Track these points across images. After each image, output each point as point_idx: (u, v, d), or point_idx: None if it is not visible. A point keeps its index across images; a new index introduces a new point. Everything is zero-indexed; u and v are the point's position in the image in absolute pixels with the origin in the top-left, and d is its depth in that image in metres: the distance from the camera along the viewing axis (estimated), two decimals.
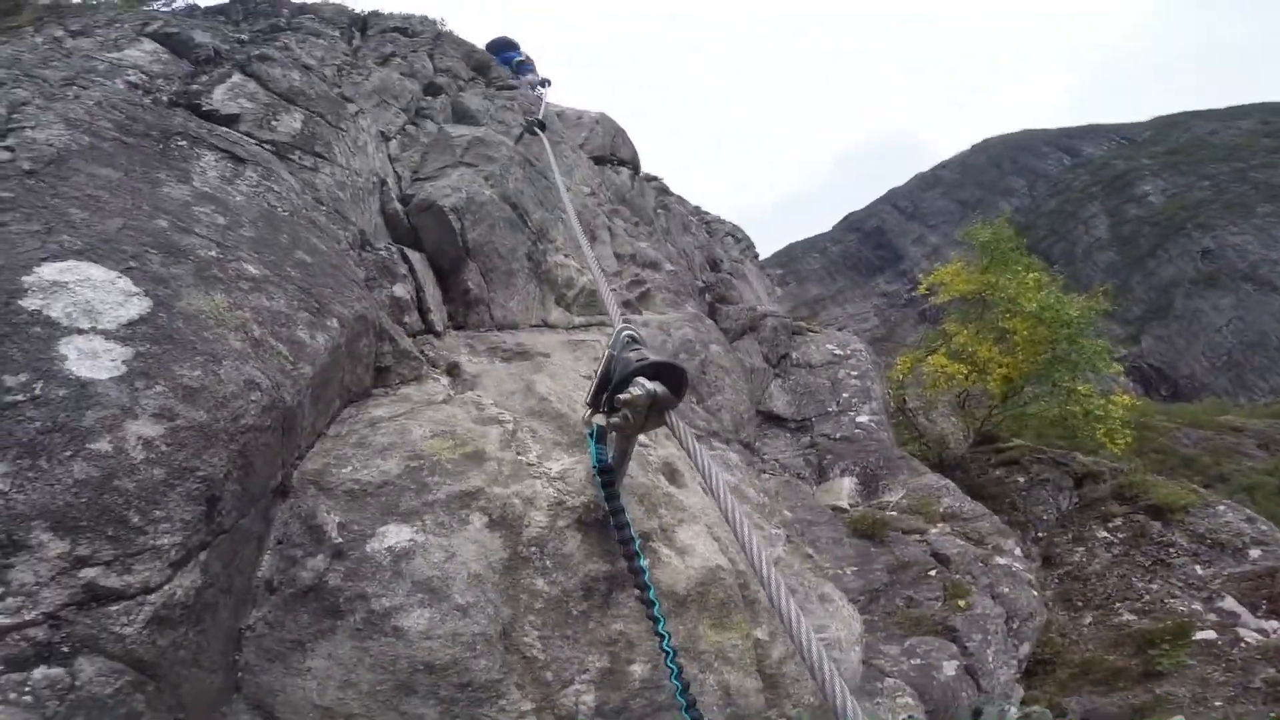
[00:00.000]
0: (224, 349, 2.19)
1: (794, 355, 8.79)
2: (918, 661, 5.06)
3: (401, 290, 4.00)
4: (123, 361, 1.94)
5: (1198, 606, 7.28)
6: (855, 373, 8.50)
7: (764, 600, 2.43)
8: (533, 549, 2.05)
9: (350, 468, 2.41)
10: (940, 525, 6.76)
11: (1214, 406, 32.40)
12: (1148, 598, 7.56)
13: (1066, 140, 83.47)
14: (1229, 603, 7.26)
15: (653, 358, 1.78)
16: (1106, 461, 9.95)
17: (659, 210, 12.67)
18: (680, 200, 15.19)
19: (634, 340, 1.96)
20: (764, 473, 5.96)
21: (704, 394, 5.28)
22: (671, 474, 2.70)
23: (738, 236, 17.40)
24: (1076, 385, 9.66)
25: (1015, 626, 6.24)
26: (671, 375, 1.73)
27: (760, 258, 19.82)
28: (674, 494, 2.44)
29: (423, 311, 4.19)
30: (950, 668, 5.10)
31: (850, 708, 1.03)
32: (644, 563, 1.74)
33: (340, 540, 2.14)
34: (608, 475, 1.94)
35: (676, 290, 7.77)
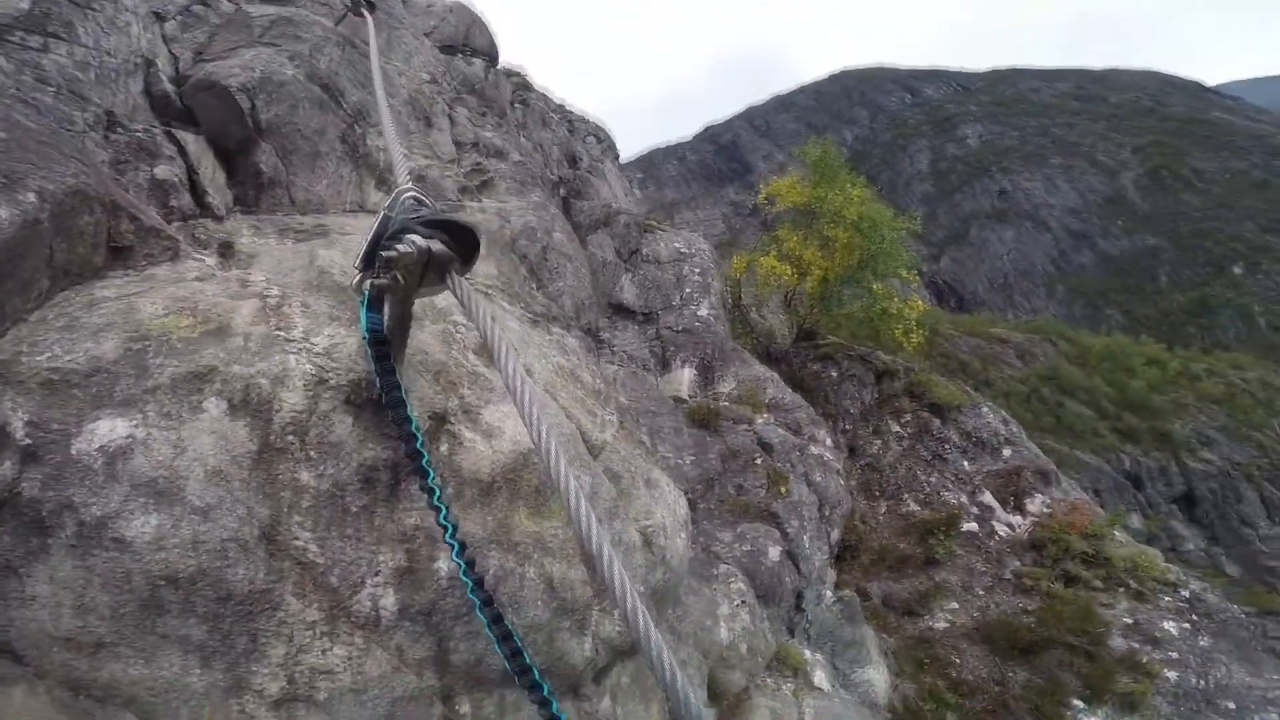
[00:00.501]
0: None
1: (644, 251, 8.88)
2: (747, 547, 5.50)
3: (167, 171, 3.83)
4: None
5: (964, 499, 8.71)
6: (698, 269, 8.78)
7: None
8: (289, 437, 1.69)
9: (49, 354, 1.84)
10: (765, 415, 7.30)
11: (987, 319, 38.63)
12: (928, 489, 8.91)
13: (911, 80, 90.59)
14: (987, 497, 8.77)
15: (436, 215, 1.48)
16: (902, 361, 11.39)
17: (516, 104, 11.92)
18: (542, 96, 14.27)
19: (419, 203, 1.62)
20: (612, 363, 5.97)
21: (544, 279, 5.04)
22: (489, 354, 2.39)
23: (600, 136, 16.69)
24: (876, 285, 10.78)
25: (827, 514, 7.03)
26: (459, 235, 1.45)
27: (622, 160, 19.31)
28: (483, 373, 2.15)
29: (197, 194, 4.02)
30: (774, 553, 5.61)
31: (643, 621, 0.87)
32: (422, 445, 1.47)
33: (29, 441, 1.63)
34: (381, 347, 1.59)
35: (523, 180, 7.28)
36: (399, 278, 1.43)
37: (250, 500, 1.62)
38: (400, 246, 1.38)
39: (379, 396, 1.58)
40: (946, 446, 9.55)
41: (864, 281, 10.77)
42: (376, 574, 1.73)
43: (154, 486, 1.58)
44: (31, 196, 2.23)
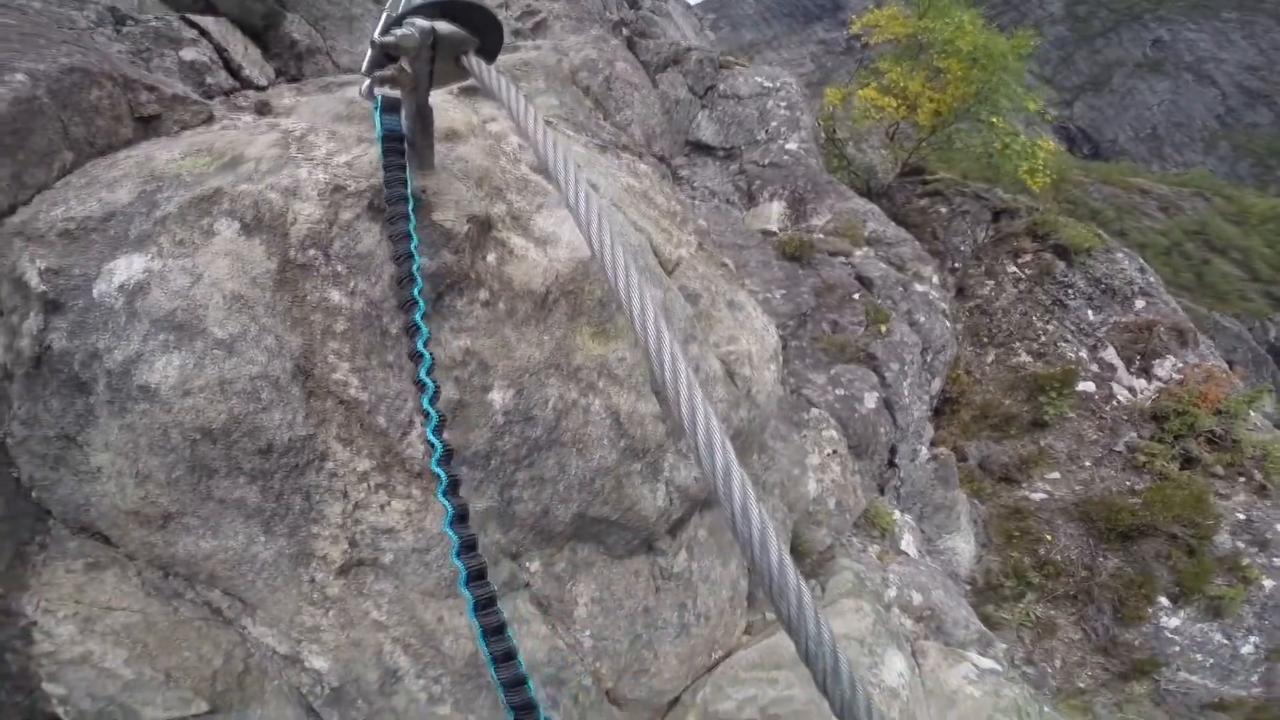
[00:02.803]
0: None
1: (721, 87, 8.06)
2: (841, 391, 5.13)
3: (194, 54, 3.93)
4: None
5: (1084, 354, 7.71)
6: (784, 104, 7.90)
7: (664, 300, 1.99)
8: (311, 251, 1.44)
9: (65, 207, 1.71)
10: (865, 249, 6.65)
11: (1128, 168, 33.52)
12: (1043, 339, 7.95)
13: None
14: (1110, 353, 7.69)
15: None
16: (1024, 200, 10.01)
17: None
18: None
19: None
20: (693, 198, 5.56)
21: (610, 110, 4.66)
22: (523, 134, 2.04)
23: None
24: (995, 119, 9.53)
25: (929, 359, 6.44)
26: (477, 21, 1.24)
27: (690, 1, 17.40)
28: (533, 180, 1.80)
29: (233, 70, 4.13)
30: (871, 400, 5.22)
31: (722, 459, 0.65)
32: (416, 262, 1.18)
33: (47, 289, 1.50)
34: (395, 143, 1.33)
35: (580, 18, 6.60)
36: (404, 67, 1.25)
37: (277, 327, 1.42)
38: (398, 30, 1.19)
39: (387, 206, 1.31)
40: (1070, 292, 8.43)
41: (982, 116, 9.53)
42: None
43: (172, 320, 1.41)
44: (20, 77, 2.12)
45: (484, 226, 1.57)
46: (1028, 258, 8.93)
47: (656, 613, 2.16)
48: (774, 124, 7.62)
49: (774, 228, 6.35)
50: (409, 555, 1.61)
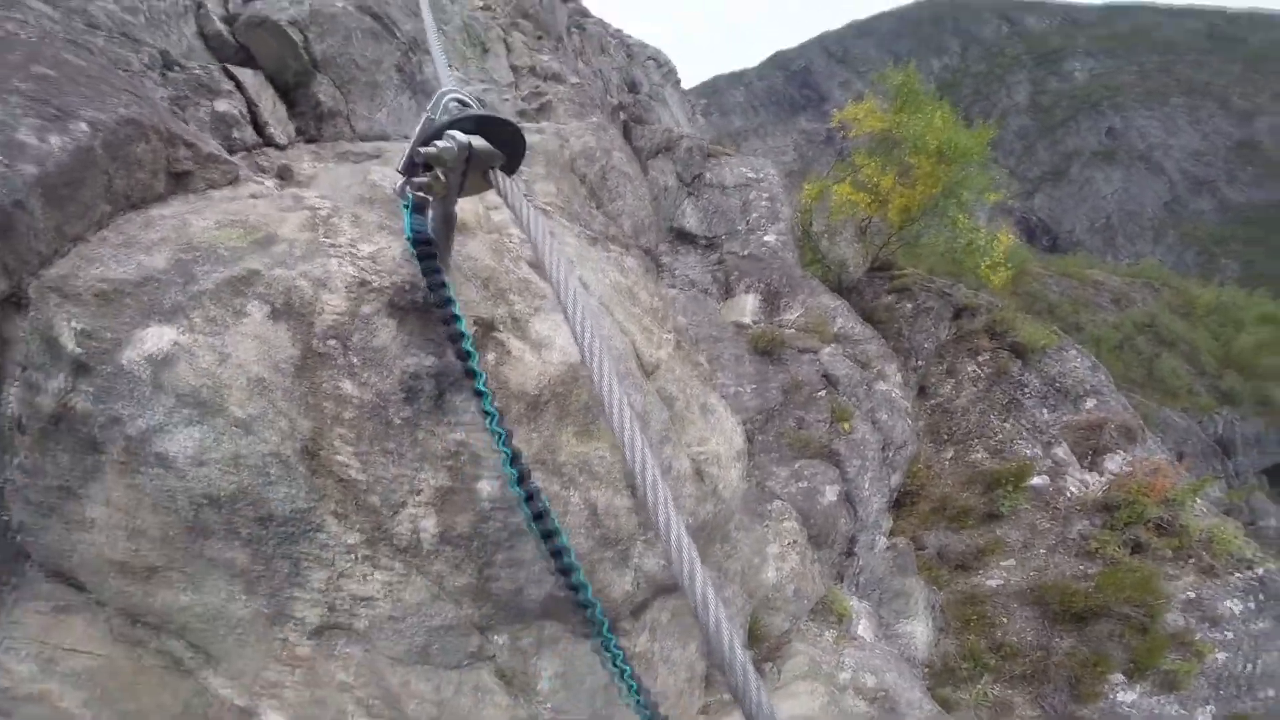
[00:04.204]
0: None
1: (707, 176, 8.57)
2: (804, 485, 5.33)
3: (226, 106, 3.99)
4: None
5: (1038, 451, 8.12)
6: (766, 195, 8.40)
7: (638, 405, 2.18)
8: (331, 342, 1.61)
9: (103, 267, 1.84)
10: (832, 346, 6.98)
11: (1083, 260, 35.51)
12: (1000, 437, 8.36)
13: (1011, 9, 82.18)
14: (1062, 450, 8.13)
15: (475, 111, 1.41)
16: (985, 296, 10.62)
17: (572, 30, 11.63)
18: (600, 22, 13.87)
19: (462, 105, 1.52)
20: (672, 288, 5.83)
21: (604, 199, 4.95)
22: (541, 265, 2.26)
23: (659, 61, 15.94)
24: (960, 216, 10.12)
25: (890, 455, 6.71)
26: (503, 134, 1.40)
27: (684, 87, 18.51)
28: (533, 281, 2.01)
29: (258, 126, 4.18)
30: (832, 493, 5.42)
31: (686, 552, 0.79)
32: (471, 346, 1.37)
33: (80, 351, 1.63)
34: (425, 246, 1.51)
35: (581, 103, 7.05)
36: (440, 176, 1.39)
37: (292, 412, 1.57)
38: (439, 143, 1.34)
39: (425, 301, 1.49)
40: (1025, 392, 8.92)
41: (947, 211, 10.15)
42: (418, 494, 1.67)
43: (197, 397, 1.55)
44: (83, 125, 2.26)
45: (487, 328, 1.76)
46: (986, 356, 9.44)
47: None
48: (754, 215, 8.06)
49: (748, 320, 6.68)
50: (384, 623, 1.71)
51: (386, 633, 1.72)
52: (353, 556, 1.67)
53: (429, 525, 1.71)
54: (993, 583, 6.66)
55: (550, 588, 1.91)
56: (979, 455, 8.20)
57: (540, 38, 9.16)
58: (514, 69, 7.59)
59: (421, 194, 1.47)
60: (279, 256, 1.72)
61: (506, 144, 1.40)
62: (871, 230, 11.30)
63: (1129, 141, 60.79)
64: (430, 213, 1.51)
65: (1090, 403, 8.82)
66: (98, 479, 1.62)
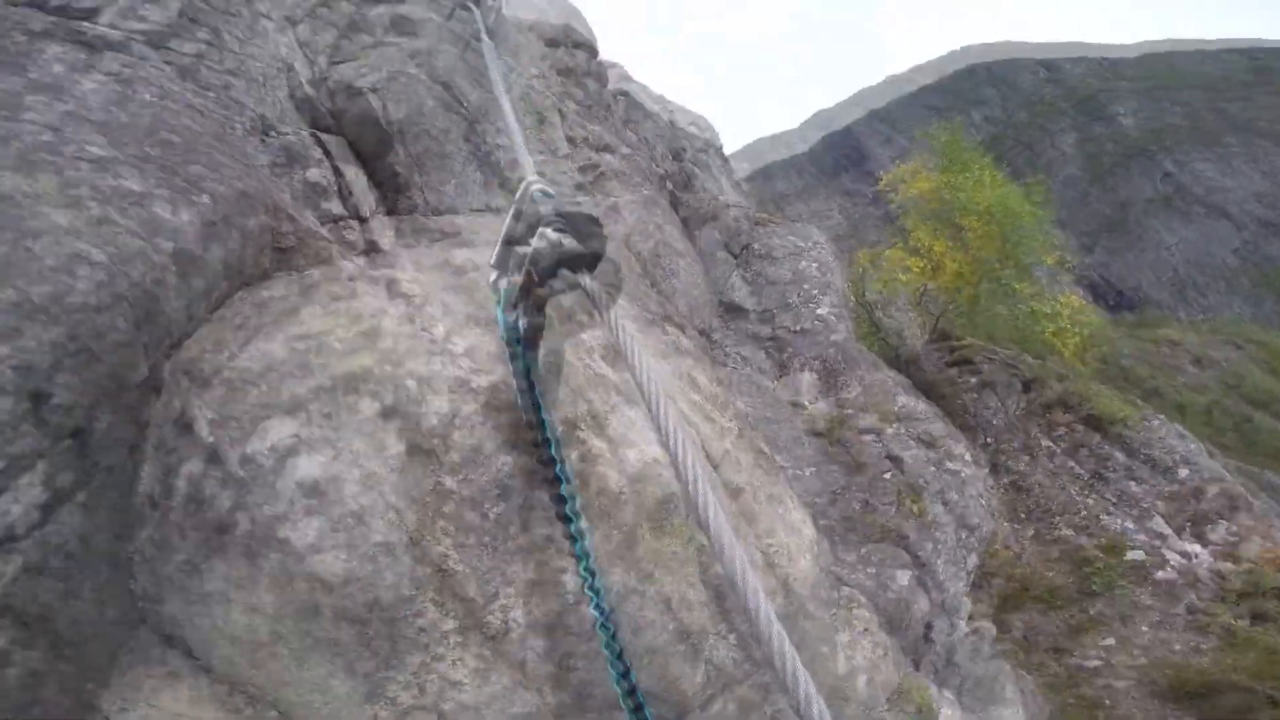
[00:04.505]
0: (44, 225, 1.81)
1: (756, 246, 8.49)
2: (873, 570, 5.13)
3: (317, 175, 3.92)
4: None
5: (1129, 524, 7.62)
6: (816, 264, 8.33)
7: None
8: (435, 440, 1.74)
9: (228, 353, 2.05)
10: (895, 425, 6.78)
11: (1155, 319, 33.70)
12: (1084, 512, 7.88)
13: (1047, 57, 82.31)
14: (1158, 522, 7.61)
15: (565, 208, 1.48)
16: (1054, 366, 10.18)
17: (618, 96, 12.01)
18: (643, 88, 14.35)
19: (545, 194, 1.63)
20: (725, 365, 5.82)
21: (658, 278, 5.00)
22: (613, 358, 2.38)
23: (701, 127, 16.44)
24: (1021, 284, 9.76)
25: (964, 537, 6.41)
26: (589, 230, 1.45)
27: (726, 151, 19.03)
28: (608, 376, 2.13)
29: (344, 196, 4.08)
30: (904, 578, 5.19)
31: (777, 640, 0.83)
32: (556, 453, 1.46)
33: (213, 440, 1.81)
34: (516, 346, 1.63)
35: (632, 175, 7.32)
36: (533, 275, 1.47)
37: (399, 504, 1.69)
38: (534, 242, 1.43)
39: (516, 400, 1.61)
40: (1109, 465, 8.42)
41: (1005, 278, 9.81)
42: (509, 585, 1.75)
43: (316, 489, 1.70)
44: (206, 199, 2.38)
45: (571, 426, 1.88)
46: (1061, 431, 9.01)
47: None
48: (806, 286, 7.97)
49: (804, 400, 6.60)
50: (468, 707, 1.76)
51: (468, 715, 1.76)
52: (447, 642, 1.74)
53: (518, 615, 1.78)
54: (1091, 664, 6.16)
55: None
56: (1064, 532, 7.72)
57: (590, 107, 9.59)
58: (569, 139, 7.91)
59: (514, 291, 1.56)
60: (386, 353, 1.90)
61: (591, 239, 1.47)
62: (927, 298, 11.02)
63: (1187, 186, 57.99)
64: (521, 308, 1.63)
65: (1183, 472, 8.26)
66: (221, 557, 1.77)
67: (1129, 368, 23.62)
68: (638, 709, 1.36)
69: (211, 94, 3.44)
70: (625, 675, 1.35)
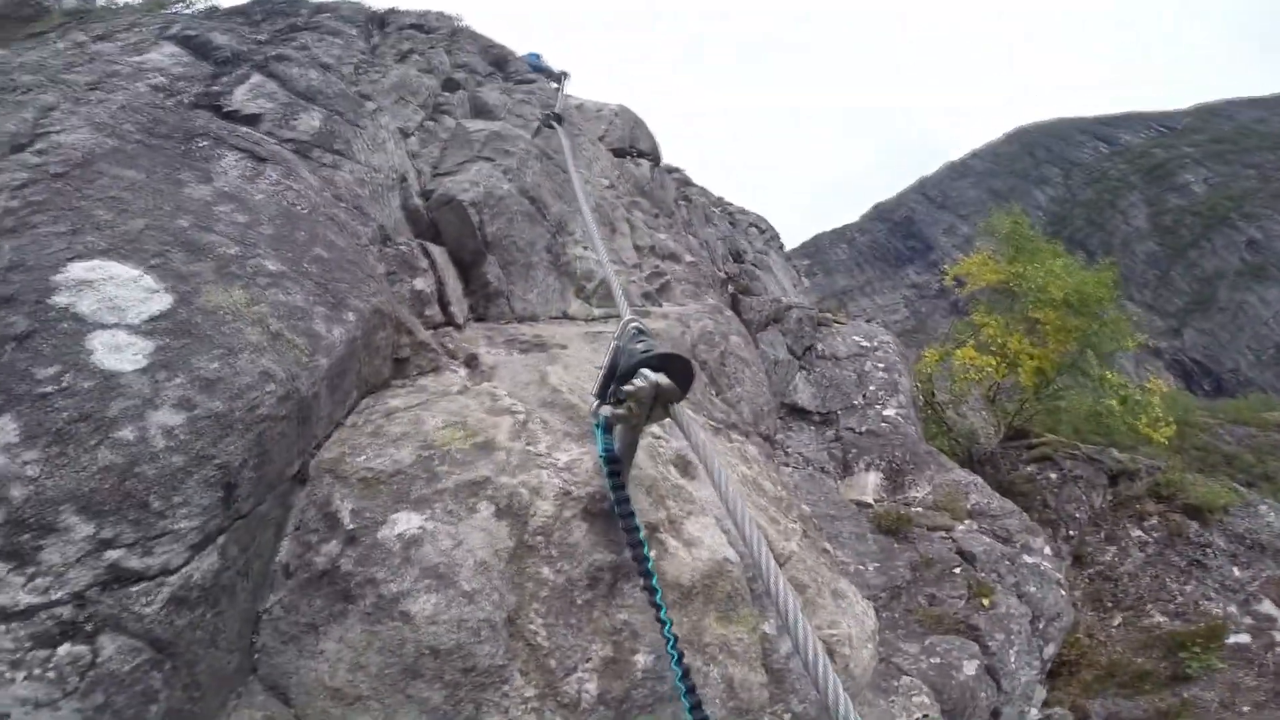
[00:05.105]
0: (241, 342, 2.27)
1: (819, 347, 8.63)
2: (937, 660, 4.96)
3: (423, 284, 4.11)
4: (145, 355, 2.05)
5: (1233, 609, 7.02)
6: (882, 365, 8.33)
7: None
8: (539, 538, 2.07)
9: (365, 456, 2.46)
10: (967, 522, 6.59)
11: (1259, 403, 30.95)
12: (1181, 599, 7.31)
13: (1103, 128, 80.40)
14: (1266, 606, 6.99)
15: (659, 349, 1.80)
16: (1143, 459, 9.63)
17: (680, 202, 12.60)
18: (702, 191, 15.10)
19: (640, 332, 1.99)
20: (786, 465, 5.89)
21: (723, 386, 5.25)
22: (684, 466, 2.69)
23: (761, 227, 17.10)
24: (1106, 373, 9.36)
25: (1041, 627, 6.07)
26: (678, 367, 1.75)
27: (786, 249, 19.49)
28: (683, 486, 2.45)
29: (444, 304, 4.30)
30: (970, 667, 4.99)
31: (844, 705, 1.04)
32: (649, 552, 1.76)
33: (353, 526, 2.20)
34: (614, 465, 1.97)
35: (696, 282, 7.74)
36: (633, 409, 1.73)
37: (503, 588, 2.00)
38: (637, 382, 1.68)
39: (610, 509, 1.92)
40: (1208, 552, 7.81)
41: (1087, 369, 9.47)
42: (588, 661, 1.99)
43: (436, 571, 2.03)
44: (350, 316, 2.76)
45: (652, 529, 2.18)
46: (1153, 521, 8.45)
47: None
48: (871, 388, 7.94)
49: (869, 499, 6.56)
50: None
51: None
52: (525, 706, 1.98)
53: (591, 687, 2.00)
54: None
55: None
56: (1156, 619, 7.13)
57: (656, 214, 10.11)
58: (636, 248, 8.36)
59: (616, 420, 1.90)
60: (500, 464, 2.27)
61: (681, 373, 1.75)
62: (1002, 395, 10.73)
63: (1275, 253, 53.55)
64: (617, 433, 1.98)
65: None
66: (341, 622, 2.08)
67: (1233, 454, 21.64)
68: None
69: (344, 204, 3.83)
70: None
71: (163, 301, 2.21)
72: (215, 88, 3.88)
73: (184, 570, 1.88)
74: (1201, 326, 52.30)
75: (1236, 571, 7.47)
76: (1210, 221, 58.46)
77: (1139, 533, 8.36)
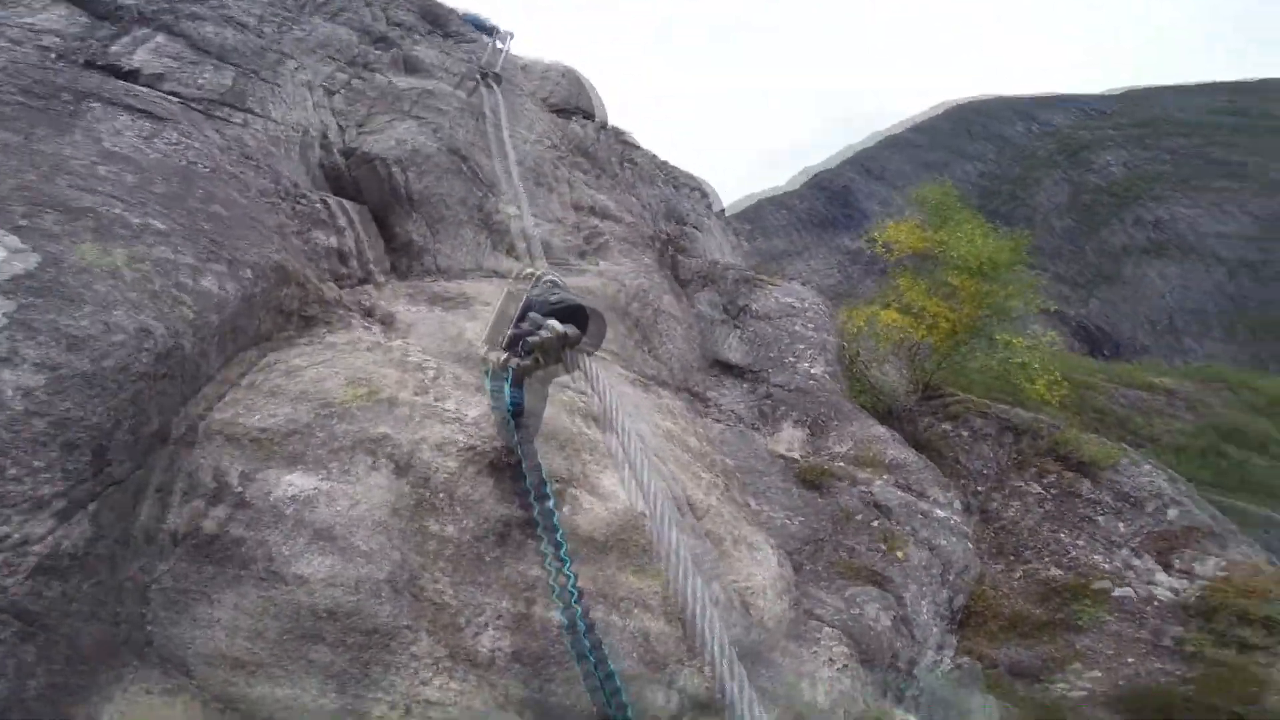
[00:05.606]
0: (117, 299, 2.13)
1: (753, 307, 8.64)
2: (855, 610, 5.23)
3: (339, 241, 4.02)
4: (3, 314, 1.90)
5: (1118, 564, 7.74)
6: (811, 325, 8.53)
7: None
8: (441, 495, 2.01)
9: (259, 416, 2.33)
10: (884, 476, 6.91)
11: (1151, 368, 33.82)
12: (1073, 553, 7.99)
13: (1034, 108, 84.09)
14: (1146, 560, 7.73)
15: (570, 300, 1.81)
16: (1045, 419, 10.34)
17: (623, 163, 12.53)
18: (647, 155, 15.02)
19: (555, 285, 1.97)
20: (718, 421, 6.02)
21: (655, 343, 5.29)
22: (602, 421, 2.66)
23: (703, 191, 17.15)
24: (1007, 337, 9.84)
25: (950, 579, 6.52)
26: (589, 319, 1.77)
27: (726, 212, 19.61)
28: (598, 440, 2.42)
29: (363, 261, 4.21)
30: (885, 618, 5.29)
31: (723, 657, 1.05)
32: (552, 503, 1.74)
33: (242, 489, 2.08)
34: (519, 418, 1.93)
35: (634, 241, 7.71)
36: (539, 360, 1.76)
37: (404, 547, 1.95)
38: (544, 333, 1.72)
39: (517, 463, 1.88)
40: (1097, 508, 8.55)
41: (994, 332, 9.96)
42: (497, 618, 1.98)
43: (330, 533, 1.95)
44: (248, 272, 2.65)
45: (564, 483, 2.16)
46: (1051, 478, 9.16)
47: None
48: (800, 346, 8.13)
49: (795, 454, 6.75)
50: None
51: None
52: (435, 667, 1.95)
53: (503, 644, 2.00)
54: (1077, 694, 6.19)
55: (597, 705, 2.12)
56: (1052, 572, 7.80)
57: (598, 176, 10.02)
58: (575, 207, 8.26)
59: (522, 372, 1.88)
60: (402, 420, 2.19)
61: (592, 327, 1.77)
62: (920, 355, 11.00)
63: (1178, 233, 58.03)
64: (526, 386, 1.94)
65: (1173, 512, 8.40)
66: (235, 588, 1.99)
67: (1125, 416, 23.68)
68: (621, 708, 1.56)
69: (253, 162, 3.71)
70: (608, 679, 1.56)
71: (28, 261, 2.08)
72: (115, 48, 3.70)
73: (49, 539, 1.74)
74: (1106, 297, 56.41)
75: (1122, 527, 8.19)
76: (1124, 201, 62.55)
77: (1039, 489, 9.04)
